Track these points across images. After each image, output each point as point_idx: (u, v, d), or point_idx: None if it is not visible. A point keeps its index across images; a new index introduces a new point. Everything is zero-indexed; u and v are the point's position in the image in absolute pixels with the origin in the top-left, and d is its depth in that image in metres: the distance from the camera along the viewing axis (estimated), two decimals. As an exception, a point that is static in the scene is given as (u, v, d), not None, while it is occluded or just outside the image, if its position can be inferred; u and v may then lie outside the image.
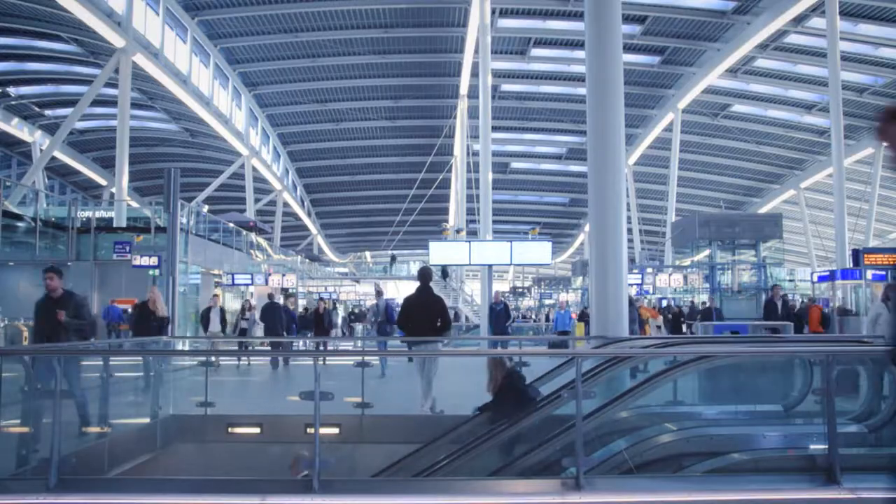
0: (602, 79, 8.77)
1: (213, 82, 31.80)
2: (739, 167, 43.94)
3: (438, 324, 8.60)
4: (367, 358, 7.81)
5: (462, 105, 35.44)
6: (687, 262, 29.28)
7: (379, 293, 15.17)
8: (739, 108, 36.98)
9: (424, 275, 8.94)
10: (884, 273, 21.38)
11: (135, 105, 30.05)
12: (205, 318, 16.47)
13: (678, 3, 27.87)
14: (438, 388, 8.19)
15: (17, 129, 34.46)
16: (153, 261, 17.32)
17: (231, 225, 27.33)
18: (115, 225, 21.30)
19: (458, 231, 32.87)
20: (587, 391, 4.92)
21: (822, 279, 29.29)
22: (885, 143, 2.57)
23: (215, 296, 18.46)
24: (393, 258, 47.52)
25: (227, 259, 25.26)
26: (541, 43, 31.63)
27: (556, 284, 48.41)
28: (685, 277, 26.59)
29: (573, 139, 41.09)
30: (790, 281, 39.00)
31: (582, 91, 25.11)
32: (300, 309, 21.50)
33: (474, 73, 29.95)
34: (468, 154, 36.66)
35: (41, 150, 32.13)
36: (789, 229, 35.62)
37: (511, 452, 5.78)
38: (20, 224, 18.92)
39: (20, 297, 17.99)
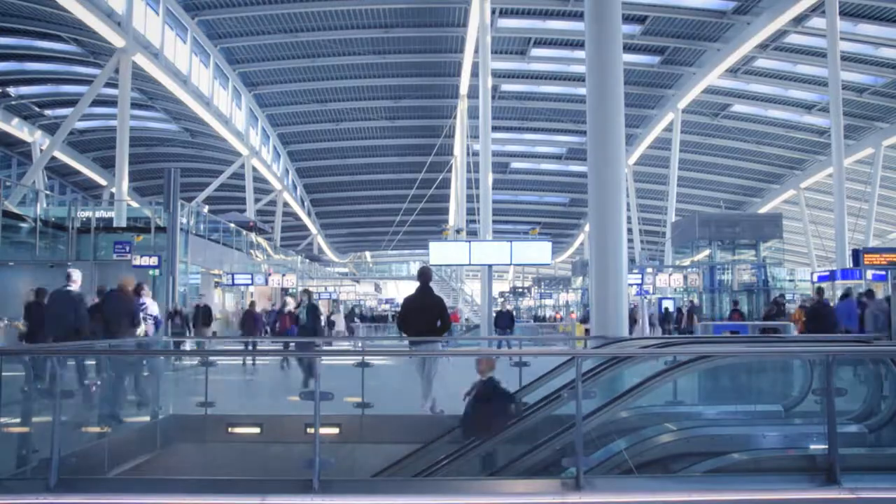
0: (602, 79, 8.77)
1: (213, 82, 31.80)
2: (739, 167, 43.94)
3: (438, 324, 8.59)
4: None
5: (462, 105, 35.43)
6: (687, 262, 29.27)
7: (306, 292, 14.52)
8: (739, 108, 36.96)
9: (424, 275, 8.93)
10: (884, 273, 21.37)
11: (135, 105, 30.02)
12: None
13: (678, 3, 27.86)
14: (438, 389, 8.18)
15: (17, 129, 34.42)
16: (153, 261, 17.31)
17: (231, 225, 27.32)
18: (115, 225, 21.27)
19: (458, 231, 32.84)
20: (587, 391, 4.92)
21: (822, 279, 29.23)
22: None
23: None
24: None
25: (227, 259, 25.27)
26: (541, 43, 31.62)
27: (556, 284, 48.44)
28: (685, 277, 26.57)
29: (573, 139, 41.08)
30: (790, 281, 39.01)
31: (582, 91, 25.10)
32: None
33: (474, 73, 29.94)
34: (468, 154, 36.65)
35: (41, 150, 32.11)
36: (789, 229, 35.64)
37: (511, 452, 5.79)
38: (20, 224, 18.90)
39: (20, 298, 17.99)
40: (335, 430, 6.99)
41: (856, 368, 6.52)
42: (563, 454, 4.80)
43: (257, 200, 40.84)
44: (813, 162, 40.92)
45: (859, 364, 6.23)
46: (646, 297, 29.01)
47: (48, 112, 35.73)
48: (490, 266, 16.25)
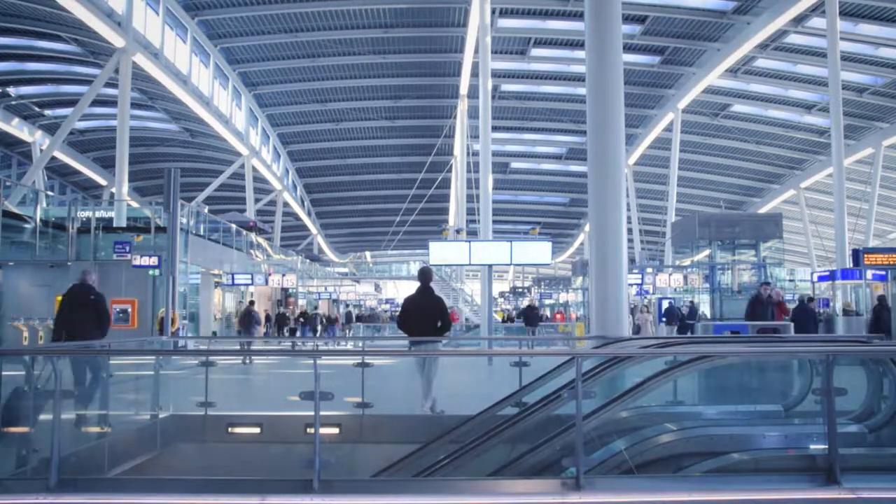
0: (602, 79, 8.76)
1: (213, 82, 31.80)
2: (739, 167, 43.94)
3: (439, 325, 8.59)
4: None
5: (462, 105, 35.43)
6: (687, 262, 29.25)
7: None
8: (739, 108, 36.96)
9: (425, 275, 8.93)
10: (884, 273, 21.36)
11: (135, 105, 30.04)
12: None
13: (678, 3, 27.86)
14: (438, 388, 8.18)
15: (17, 129, 34.42)
16: (153, 261, 17.28)
17: (231, 225, 27.31)
18: (115, 225, 21.25)
19: (458, 231, 32.85)
20: (587, 391, 4.91)
21: (822, 279, 29.28)
22: None
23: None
24: None
25: (227, 259, 25.25)
26: (541, 43, 31.62)
27: (556, 284, 48.41)
28: (685, 277, 26.56)
29: (573, 139, 41.10)
30: (790, 281, 38.99)
31: (582, 91, 25.12)
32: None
33: (474, 73, 29.93)
34: (468, 154, 36.66)
35: (41, 150, 32.11)
36: (789, 229, 35.64)
37: (511, 452, 5.78)
38: (20, 224, 18.89)
39: (20, 298, 17.99)
40: (335, 430, 6.99)
41: (855, 368, 6.51)
42: (563, 454, 4.80)
43: (257, 200, 40.84)
44: (813, 162, 40.93)
45: (859, 364, 6.22)
46: (645, 297, 29.05)
47: (48, 112, 35.73)
48: (490, 266, 16.25)
